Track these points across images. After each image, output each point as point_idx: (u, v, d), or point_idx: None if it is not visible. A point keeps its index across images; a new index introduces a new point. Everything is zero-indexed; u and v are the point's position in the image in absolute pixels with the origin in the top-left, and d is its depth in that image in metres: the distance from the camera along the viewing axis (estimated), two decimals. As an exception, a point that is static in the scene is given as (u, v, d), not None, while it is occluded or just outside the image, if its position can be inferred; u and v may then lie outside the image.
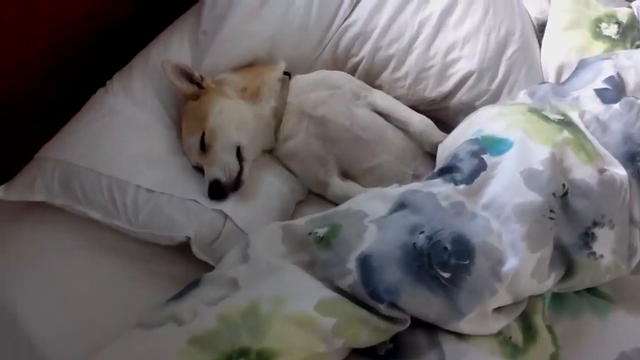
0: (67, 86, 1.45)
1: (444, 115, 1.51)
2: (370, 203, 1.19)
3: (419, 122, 1.40)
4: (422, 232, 1.07)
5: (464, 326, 1.05)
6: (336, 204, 1.30)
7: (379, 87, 1.51)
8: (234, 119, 1.34)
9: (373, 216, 1.14)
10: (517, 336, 1.11)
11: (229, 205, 1.27)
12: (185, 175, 1.32)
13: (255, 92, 1.39)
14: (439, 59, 1.49)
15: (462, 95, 1.48)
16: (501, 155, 1.16)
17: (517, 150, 1.15)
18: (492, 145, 1.18)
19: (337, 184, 1.38)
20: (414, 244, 1.05)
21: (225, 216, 1.26)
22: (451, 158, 1.20)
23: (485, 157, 1.16)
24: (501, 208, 1.11)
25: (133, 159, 1.29)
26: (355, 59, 1.53)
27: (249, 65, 1.47)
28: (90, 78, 1.44)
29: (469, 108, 1.47)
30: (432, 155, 1.41)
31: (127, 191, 1.24)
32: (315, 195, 1.44)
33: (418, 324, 1.06)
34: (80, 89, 1.42)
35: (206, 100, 1.35)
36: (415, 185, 1.18)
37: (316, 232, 1.14)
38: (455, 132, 1.34)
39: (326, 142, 1.38)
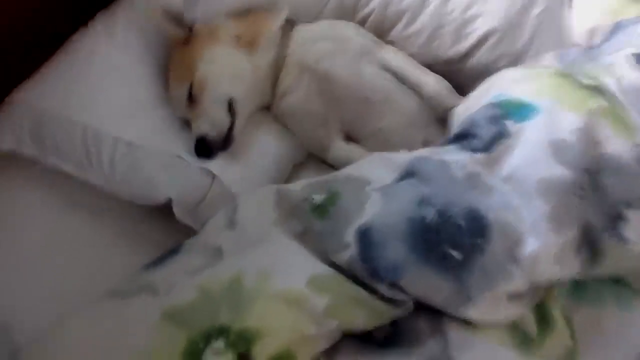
0: (49, 25, 1.31)
1: (460, 78, 1.37)
2: (375, 169, 1.06)
3: (434, 83, 1.26)
4: (432, 205, 0.94)
5: (472, 313, 0.93)
6: (337, 169, 1.18)
7: (390, 44, 1.37)
8: (226, 68, 1.21)
9: (377, 184, 1.02)
10: (531, 327, 1.00)
11: (217, 164, 1.15)
12: (170, 128, 1.20)
13: (253, 41, 1.25)
14: (457, 14, 1.33)
15: (481, 56, 1.34)
16: (525, 121, 1.03)
17: (544, 117, 1.02)
18: (515, 110, 1.05)
19: (339, 147, 1.25)
20: (423, 218, 0.93)
21: (213, 176, 1.13)
22: (468, 124, 1.07)
23: (506, 123, 1.03)
24: (523, 182, 0.98)
25: (112, 108, 1.17)
26: (365, 11, 1.38)
27: (247, 13, 1.32)
28: (75, 17, 1.30)
29: (488, 70, 1.31)
30: (445, 122, 1.27)
31: (103, 143, 1.12)
32: (315, 158, 1.31)
33: (421, 308, 0.95)
34: (63, 28, 1.28)
35: (196, 47, 1.22)
36: (425, 152, 1.05)
37: (312, 199, 1.02)
38: (472, 96, 1.20)
39: (328, 100, 1.24)
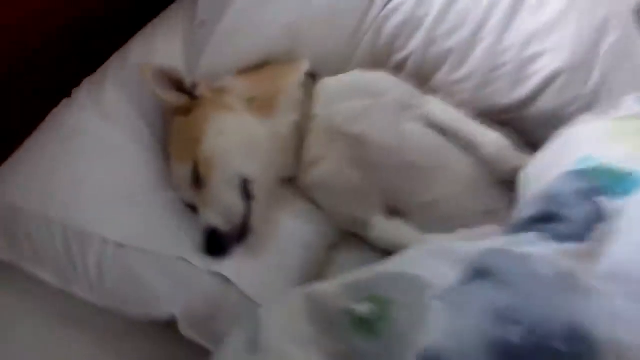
0: (28, 97, 1.11)
1: (520, 128, 1.13)
2: (432, 264, 0.84)
3: (493, 142, 1.03)
4: (517, 322, 0.71)
5: None
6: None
7: (433, 93, 1.14)
8: (239, 141, 1.00)
9: (437, 287, 0.79)
10: None
11: (231, 265, 0.93)
12: (171, 220, 0.98)
13: (269, 103, 1.04)
14: (514, 53, 1.11)
15: (545, 102, 1.11)
16: (627, 197, 0.79)
17: (650, 191, 0.78)
18: (611, 181, 0.82)
19: (381, 225, 1.03)
20: (507, 342, 0.70)
21: (227, 281, 0.90)
22: (548, 200, 0.83)
23: (601, 200, 0.80)
24: (632, 281, 0.74)
25: (99, 199, 0.97)
26: (401, 55, 1.17)
27: (260, 67, 1.11)
28: (58, 84, 1.10)
29: (554, 118, 1.10)
30: (507, 184, 1.04)
31: (88, 245, 0.91)
32: (355, 236, 1.09)
33: None
34: (45, 98, 1.08)
35: (200, 116, 1.01)
36: (498, 243, 0.81)
37: (353, 310, 0.79)
38: (545, 156, 0.97)
39: (366, 169, 1.02)
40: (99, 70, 1.11)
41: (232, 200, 0.96)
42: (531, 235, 0.80)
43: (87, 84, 1.10)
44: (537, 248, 0.78)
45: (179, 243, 0.94)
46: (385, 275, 0.85)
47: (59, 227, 0.93)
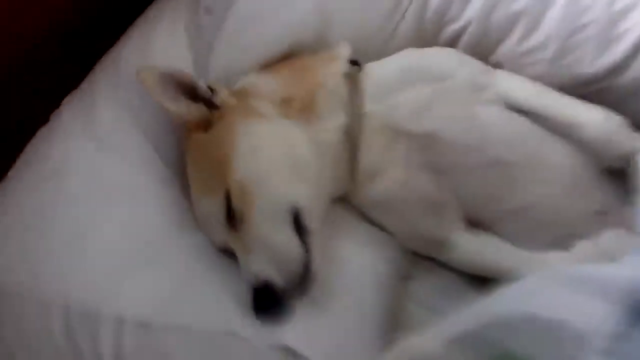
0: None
1: (604, 102, 0.91)
2: (575, 302, 0.62)
3: (601, 121, 0.81)
4: None
5: None
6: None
7: (498, 67, 0.92)
8: (280, 156, 0.77)
9: (589, 333, 0.57)
10: None
11: (297, 331, 0.69)
12: (208, 275, 0.75)
13: (309, 103, 0.81)
14: (599, 10, 0.88)
15: (637, 69, 0.88)
16: None
17: None
18: None
19: (465, 242, 0.82)
20: None
21: (295, 355, 0.67)
22: None
23: None
24: None
25: (107, 262, 0.72)
26: (455, 26, 0.94)
27: (287, 59, 0.87)
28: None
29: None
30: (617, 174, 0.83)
31: (101, 330, 0.66)
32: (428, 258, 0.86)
33: None
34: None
35: (225, 129, 0.77)
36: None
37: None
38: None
39: (440, 174, 0.80)
40: (84, 83, 0.86)
41: (285, 239, 0.72)
42: None
43: (69, 104, 0.84)
44: None
45: (222, 309, 0.71)
46: (508, 320, 0.63)
47: (55, 310, 0.68)
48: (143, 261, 0.73)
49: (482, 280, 0.82)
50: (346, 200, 0.85)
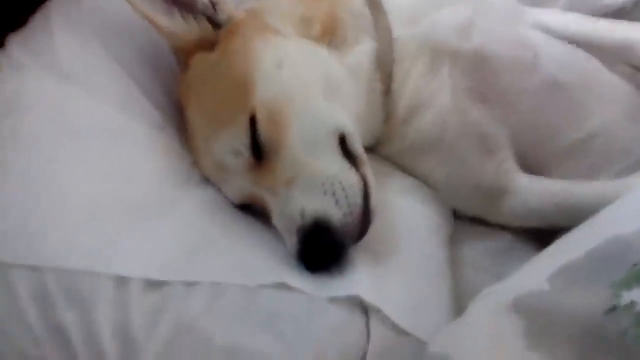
0: None
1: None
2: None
3: None
4: None
5: None
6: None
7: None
8: (313, 73, 0.61)
9: None
10: None
11: (365, 283, 0.53)
12: (225, 223, 0.59)
13: (332, 26, 0.66)
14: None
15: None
16: None
17: None
18: None
19: (531, 185, 0.67)
20: None
21: (365, 310, 0.50)
22: None
23: None
24: None
25: (88, 208, 0.54)
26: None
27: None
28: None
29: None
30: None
31: (91, 299, 0.47)
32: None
33: None
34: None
35: (241, 45, 0.61)
36: None
37: (622, 303, 0.43)
38: None
39: (494, 100, 0.67)
40: (34, 18, 0.67)
41: (338, 165, 0.56)
42: None
43: (18, 38, 0.66)
44: None
45: (260, 262, 0.54)
46: (632, 236, 0.49)
47: (50, 274, 0.49)
48: (142, 219, 0.55)
49: (539, 241, 0.69)
50: (374, 153, 0.71)
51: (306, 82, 0.60)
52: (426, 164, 0.69)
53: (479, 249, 0.70)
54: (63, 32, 0.65)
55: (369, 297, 0.51)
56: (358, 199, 0.55)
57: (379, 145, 0.70)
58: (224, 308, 0.49)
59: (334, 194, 0.54)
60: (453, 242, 0.70)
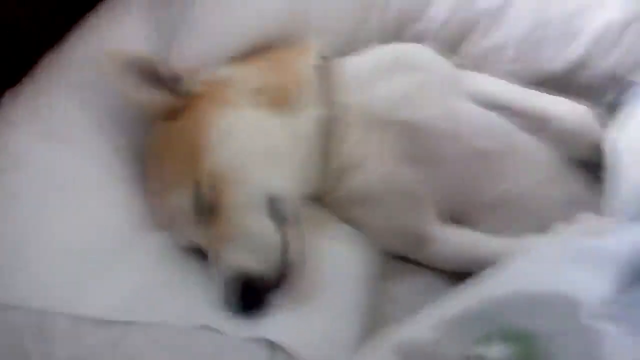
0: None
1: (567, 97, 0.92)
2: (570, 274, 0.60)
3: (572, 112, 0.82)
4: None
5: None
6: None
7: (462, 67, 0.92)
8: (255, 144, 0.72)
9: (590, 301, 0.55)
10: None
11: (276, 324, 0.64)
12: (173, 270, 0.69)
13: (282, 94, 0.78)
14: (557, 7, 0.91)
15: (601, 61, 0.91)
16: None
17: None
18: None
19: (446, 236, 0.78)
20: None
21: (275, 348, 0.61)
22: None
23: None
24: None
25: (57, 264, 0.65)
26: (419, 26, 0.93)
27: (258, 52, 0.84)
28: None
29: (608, 81, 0.91)
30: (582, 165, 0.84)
31: (51, 333, 0.58)
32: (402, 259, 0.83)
33: None
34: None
35: (197, 117, 0.73)
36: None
37: (483, 357, 0.53)
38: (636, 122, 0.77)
39: (421, 165, 0.78)
40: (29, 76, 0.79)
41: (264, 227, 0.67)
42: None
43: (12, 96, 0.77)
44: None
45: (192, 305, 0.65)
46: (504, 300, 0.60)
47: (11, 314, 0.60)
48: (102, 263, 0.66)
49: (460, 279, 0.79)
50: (317, 201, 0.81)
51: (247, 152, 0.71)
52: (358, 215, 0.80)
53: (405, 286, 0.81)
54: (52, 92, 0.77)
55: (279, 338, 0.61)
56: (276, 256, 0.66)
57: (322, 196, 0.81)
58: (162, 345, 0.60)
59: (255, 252, 0.65)
60: (383, 279, 0.81)
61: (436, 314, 0.62)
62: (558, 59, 0.92)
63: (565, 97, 0.89)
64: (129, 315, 0.61)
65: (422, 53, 0.85)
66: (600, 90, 0.91)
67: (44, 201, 0.68)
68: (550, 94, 0.88)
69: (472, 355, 0.55)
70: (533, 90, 0.86)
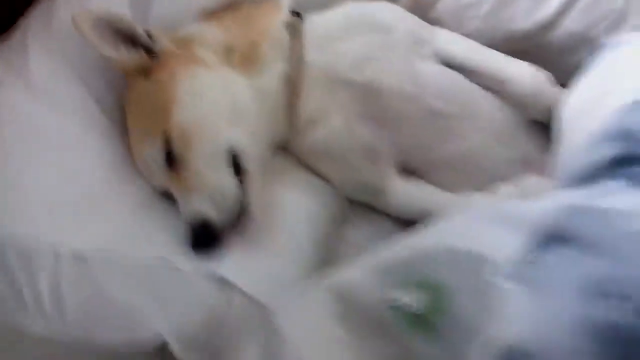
0: None
1: (537, 57, 0.95)
2: (489, 234, 0.67)
3: (525, 75, 0.86)
4: (621, 297, 0.55)
5: None
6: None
7: (435, 24, 0.95)
8: (221, 102, 0.79)
9: (503, 262, 0.62)
10: None
11: (230, 262, 0.73)
12: (147, 217, 0.77)
13: (252, 52, 0.83)
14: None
15: (569, 23, 0.94)
16: None
17: None
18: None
19: (400, 188, 0.86)
20: (614, 323, 0.55)
21: (227, 284, 0.70)
22: (624, 138, 0.67)
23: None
24: None
25: (44, 204, 0.73)
26: (396, -18, 0.96)
27: (230, 8, 0.89)
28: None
29: (577, 42, 0.94)
30: (541, 126, 0.89)
31: (37, 264, 0.68)
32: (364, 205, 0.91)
33: None
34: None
35: (166, 76, 0.79)
36: (575, 197, 0.65)
37: (401, 302, 0.62)
38: (585, 87, 0.82)
39: (379, 123, 0.84)
40: (15, 31, 0.85)
41: (222, 179, 0.75)
42: (617, 184, 0.63)
43: None
44: (629, 199, 0.62)
45: (158, 244, 0.74)
46: (428, 252, 0.67)
47: None
48: (81, 203, 0.74)
49: (414, 226, 0.87)
50: (287, 150, 0.89)
51: (212, 110, 0.78)
52: (321, 166, 0.87)
53: (363, 231, 0.89)
54: (37, 51, 0.82)
55: (230, 276, 0.71)
56: (233, 205, 0.75)
57: (289, 145, 0.88)
58: (123, 273, 0.69)
59: (214, 201, 0.74)
60: (343, 223, 0.90)
61: (372, 259, 0.70)
62: (530, 17, 0.94)
63: (536, 58, 0.94)
64: (102, 252, 0.70)
65: (388, 12, 0.89)
66: (571, 51, 0.95)
67: (27, 153, 0.76)
68: (519, 55, 0.93)
69: (389, 299, 0.63)
70: (496, 52, 0.90)
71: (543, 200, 0.67)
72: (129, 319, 0.67)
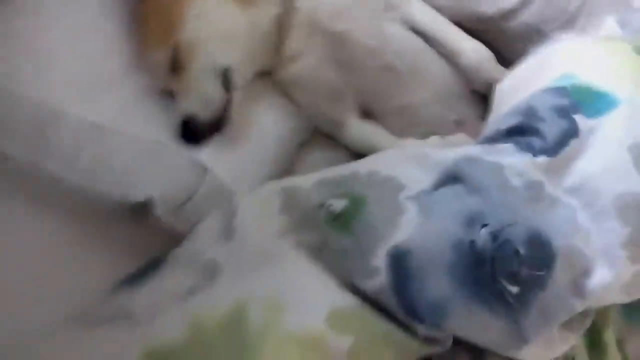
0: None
1: (495, 40, 1.13)
2: (407, 168, 0.86)
3: (475, 51, 1.03)
4: (484, 225, 0.75)
5: (525, 354, 0.77)
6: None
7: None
8: (219, 29, 0.96)
9: (412, 189, 0.82)
10: (582, 356, 0.85)
11: (208, 152, 0.93)
12: (148, 105, 0.95)
13: None
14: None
15: (528, 15, 1.10)
16: (600, 116, 0.83)
17: (624, 113, 0.82)
18: (589, 100, 0.84)
19: (356, 126, 1.04)
20: (472, 242, 0.74)
21: (204, 169, 0.90)
22: (526, 113, 0.86)
23: (577, 117, 0.83)
24: (595, 195, 0.79)
25: (70, 80, 0.91)
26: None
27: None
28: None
29: (532, 34, 1.10)
30: (481, 96, 1.06)
31: (64, 122, 0.87)
32: (324, 135, 1.09)
33: (460, 342, 0.78)
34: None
35: (180, 1, 0.95)
36: (474, 151, 0.84)
37: (330, 205, 0.81)
38: (522, 71, 0.99)
39: (345, 68, 1.01)
40: None
41: (213, 89, 0.94)
42: (507, 147, 0.83)
43: None
44: (511, 159, 0.81)
45: (155, 128, 0.93)
46: (361, 173, 0.87)
47: (28, 105, 0.87)
48: (96, 83, 0.92)
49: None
50: (270, 77, 1.07)
51: (212, 33, 0.95)
52: (295, 95, 1.05)
53: (319, 155, 1.09)
54: None
55: (207, 160, 0.90)
56: (217, 109, 0.94)
57: (273, 73, 1.06)
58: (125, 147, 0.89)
59: (202, 104, 0.93)
60: (304, 147, 1.08)
61: (318, 175, 0.90)
62: (495, 4, 1.10)
63: (494, 40, 1.10)
64: (116, 123, 0.89)
65: None
66: (524, 40, 1.08)
67: (63, 37, 0.93)
68: (480, 34, 1.09)
69: (324, 204, 0.83)
70: (456, 28, 1.06)
71: (454, 151, 0.86)
72: (127, 178, 0.87)
